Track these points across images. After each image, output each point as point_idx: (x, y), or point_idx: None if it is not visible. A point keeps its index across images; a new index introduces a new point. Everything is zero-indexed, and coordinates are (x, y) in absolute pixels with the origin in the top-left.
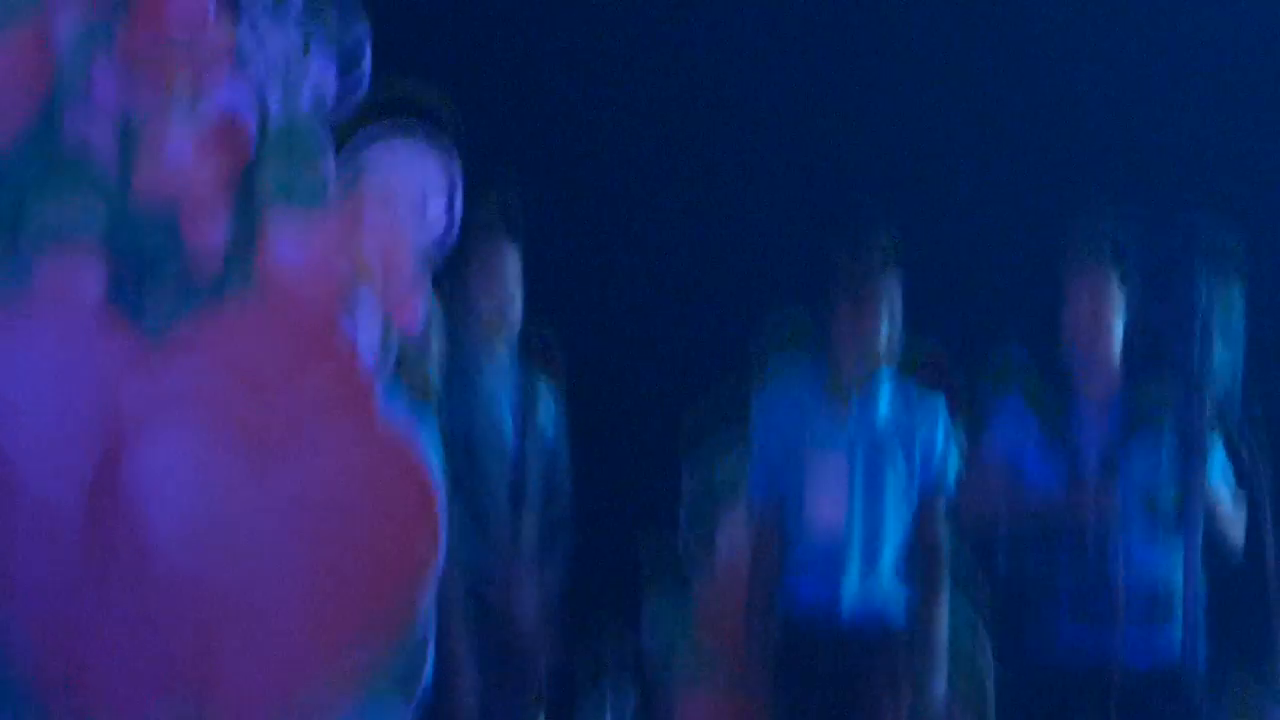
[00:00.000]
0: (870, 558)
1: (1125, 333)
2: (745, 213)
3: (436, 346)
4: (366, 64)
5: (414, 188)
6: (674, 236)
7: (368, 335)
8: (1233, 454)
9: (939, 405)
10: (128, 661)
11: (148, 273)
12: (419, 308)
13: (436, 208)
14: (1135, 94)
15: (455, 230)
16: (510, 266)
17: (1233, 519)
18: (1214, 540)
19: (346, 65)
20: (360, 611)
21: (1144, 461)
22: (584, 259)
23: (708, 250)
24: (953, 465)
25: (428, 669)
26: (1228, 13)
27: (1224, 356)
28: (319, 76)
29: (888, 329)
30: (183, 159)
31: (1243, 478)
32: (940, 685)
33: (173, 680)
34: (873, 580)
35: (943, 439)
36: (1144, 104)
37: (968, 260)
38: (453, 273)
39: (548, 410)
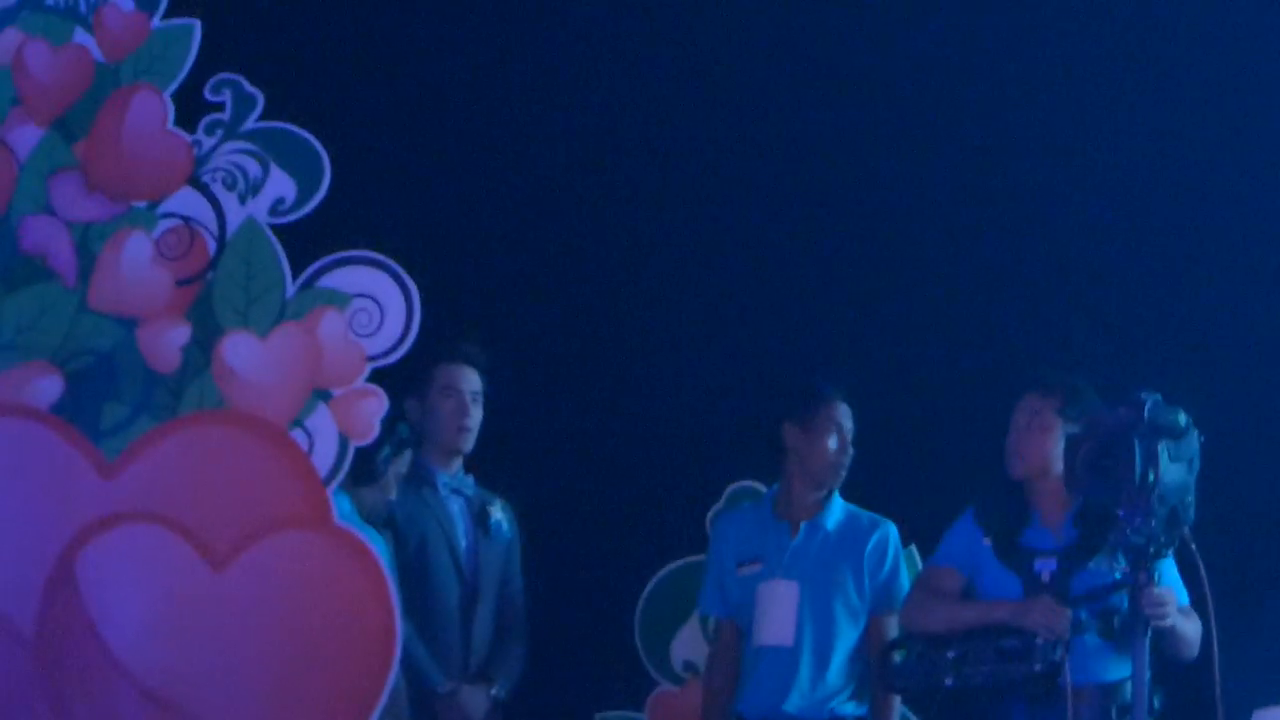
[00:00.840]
0: (819, 672)
1: (1074, 454)
2: (704, 338)
3: (392, 461)
4: (325, 179)
5: (371, 305)
6: (632, 362)
7: (323, 448)
8: (1185, 570)
9: (890, 530)
10: None
11: (104, 385)
12: (374, 422)
13: (393, 326)
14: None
15: (410, 348)
16: (469, 386)
17: (1186, 634)
18: (1167, 654)
19: (304, 180)
20: (314, 716)
21: (1095, 579)
22: (544, 389)
23: (665, 380)
24: (901, 585)
25: None
26: (1193, 196)
27: (1174, 477)
28: (277, 188)
29: (837, 457)
30: (139, 271)
31: (1196, 593)
32: None
33: None
34: (821, 693)
35: (891, 560)
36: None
37: (925, 399)
38: (413, 390)
39: (500, 528)
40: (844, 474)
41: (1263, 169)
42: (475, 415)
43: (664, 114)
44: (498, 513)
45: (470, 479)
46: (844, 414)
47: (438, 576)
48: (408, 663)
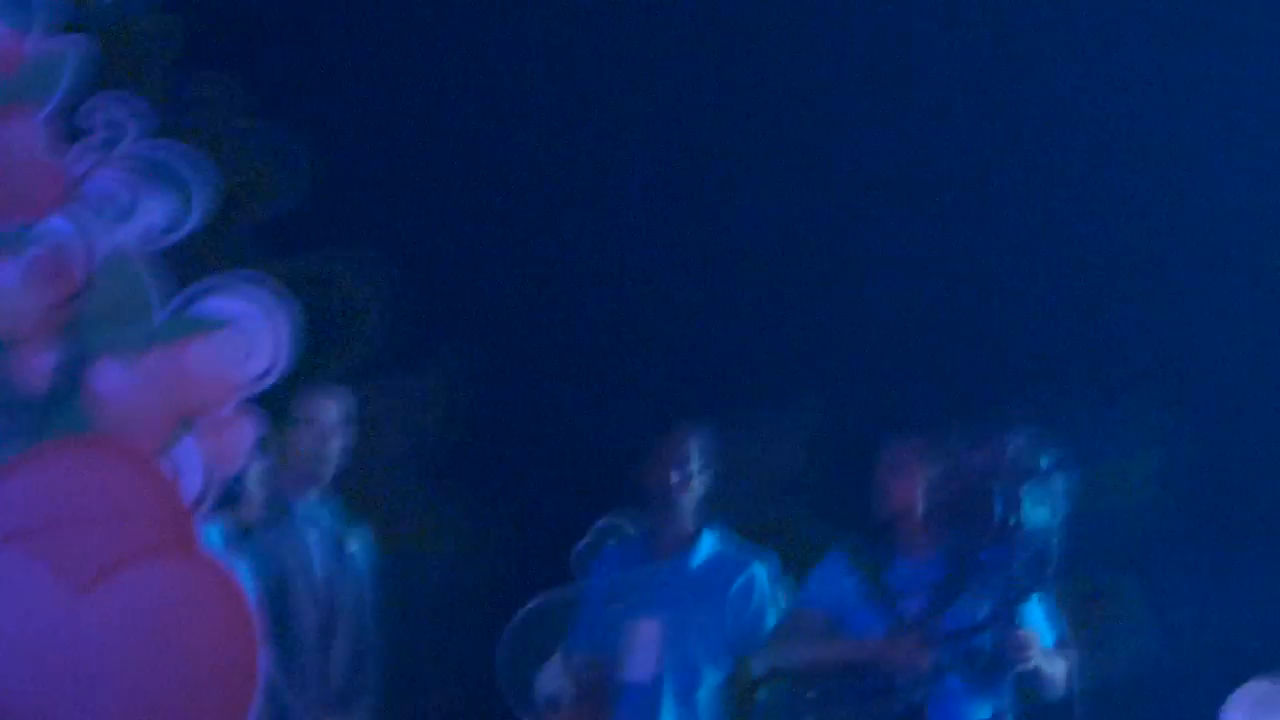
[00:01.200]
0: (682, 710)
1: (936, 497)
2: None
3: (256, 487)
4: (199, 203)
5: (240, 333)
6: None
7: (189, 473)
8: (1052, 610)
9: (760, 568)
10: None
11: None
12: (240, 449)
13: (263, 354)
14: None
15: (279, 376)
16: (329, 417)
17: (1049, 675)
18: (1032, 691)
19: (177, 203)
20: None
21: (960, 619)
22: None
23: (531, 411)
24: (766, 625)
25: None
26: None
27: (1038, 520)
28: (150, 213)
29: (696, 493)
30: (9, 294)
31: (1062, 632)
32: None
33: None
34: None
35: (756, 600)
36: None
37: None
38: (274, 418)
39: (356, 560)
40: (679, 506)
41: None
42: (335, 445)
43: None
44: (353, 544)
45: (327, 509)
46: (677, 445)
47: (295, 607)
48: (267, 693)
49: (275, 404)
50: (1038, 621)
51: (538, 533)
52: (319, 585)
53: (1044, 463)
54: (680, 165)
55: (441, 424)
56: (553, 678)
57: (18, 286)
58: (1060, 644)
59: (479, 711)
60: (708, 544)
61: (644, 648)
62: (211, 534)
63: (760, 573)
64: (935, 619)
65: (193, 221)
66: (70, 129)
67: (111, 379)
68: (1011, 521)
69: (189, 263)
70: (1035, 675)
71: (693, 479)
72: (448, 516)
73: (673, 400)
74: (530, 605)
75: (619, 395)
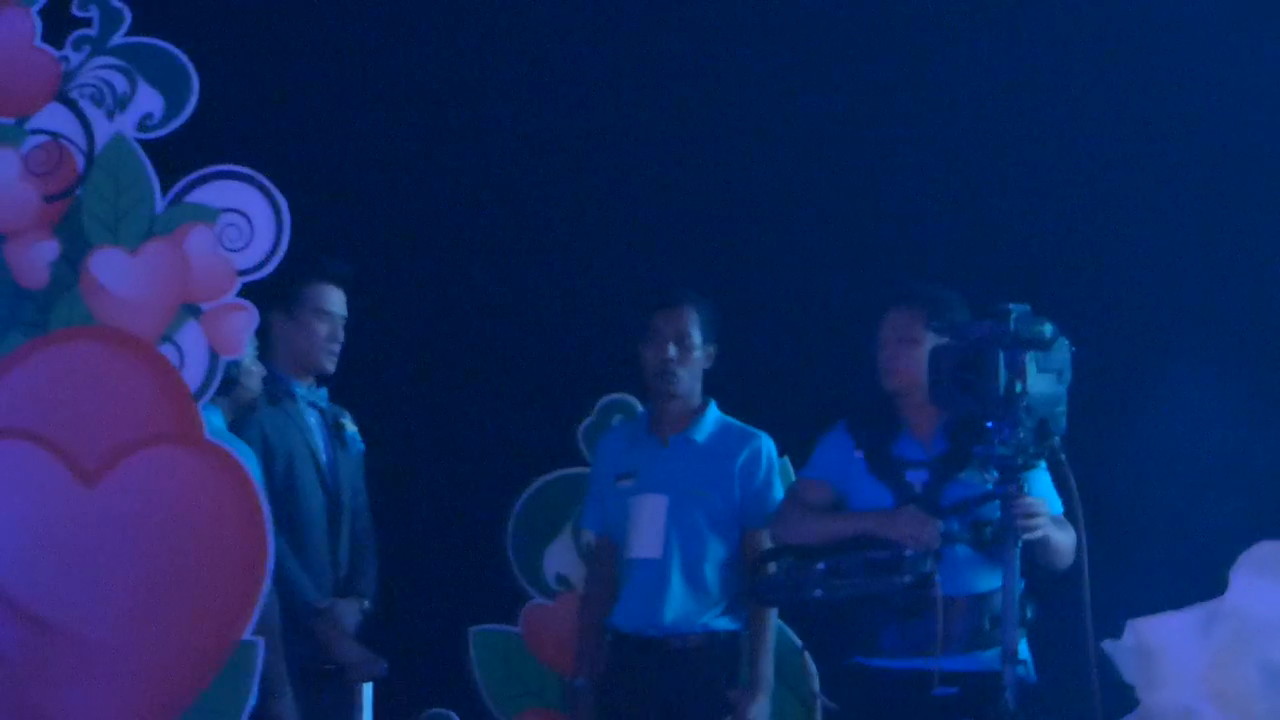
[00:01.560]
0: (690, 586)
1: (939, 367)
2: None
3: (257, 373)
4: (193, 94)
5: (240, 220)
6: (502, 275)
7: (191, 361)
8: (1058, 479)
9: (763, 443)
10: None
11: None
12: (243, 337)
13: (262, 240)
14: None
15: (279, 263)
16: (339, 309)
17: (1058, 544)
18: (1039, 564)
19: (172, 95)
20: (188, 632)
21: (966, 490)
22: (413, 302)
23: (537, 293)
24: (774, 498)
25: (253, 695)
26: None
27: (1043, 388)
28: (146, 102)
29: (658, 366)
30: (7, 187)
31: (1068, 503)
32: (765, 703)
33: (1, 708)
34: (694, 606)
35: (763, 472)
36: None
37: (800, 311)
38: (280, 306)
39: (355, 440)
40: (677, 380)
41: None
42: (339, 341)
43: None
44: (350, 425)
45: (324, 391)
46: (674, 320)
47: (305, 491)
48: (281, 579)
49: (280, 290)
50: (1045, 490)
51: (540, 412)
52: (325, 470)
53: (1047, 331)
54: None
55: (436, 301)
56: (561, 555)
57: (16, 179)
58: (1069, 512)
59: (488, 592)
60: (711, 419)
61: (651, 523)
62: (214, 420)
63: (766, 445)
64: (942, 489)
65: (187, 111)
66: (64, 21)
67: (111, 268)
68: (1016, 389)
69: (185, 151)
70: (1044, 543)
71: (695, 353)
72: (450, 399)
73: (673, 275)
74: (536, 483)
75: (618, 270)
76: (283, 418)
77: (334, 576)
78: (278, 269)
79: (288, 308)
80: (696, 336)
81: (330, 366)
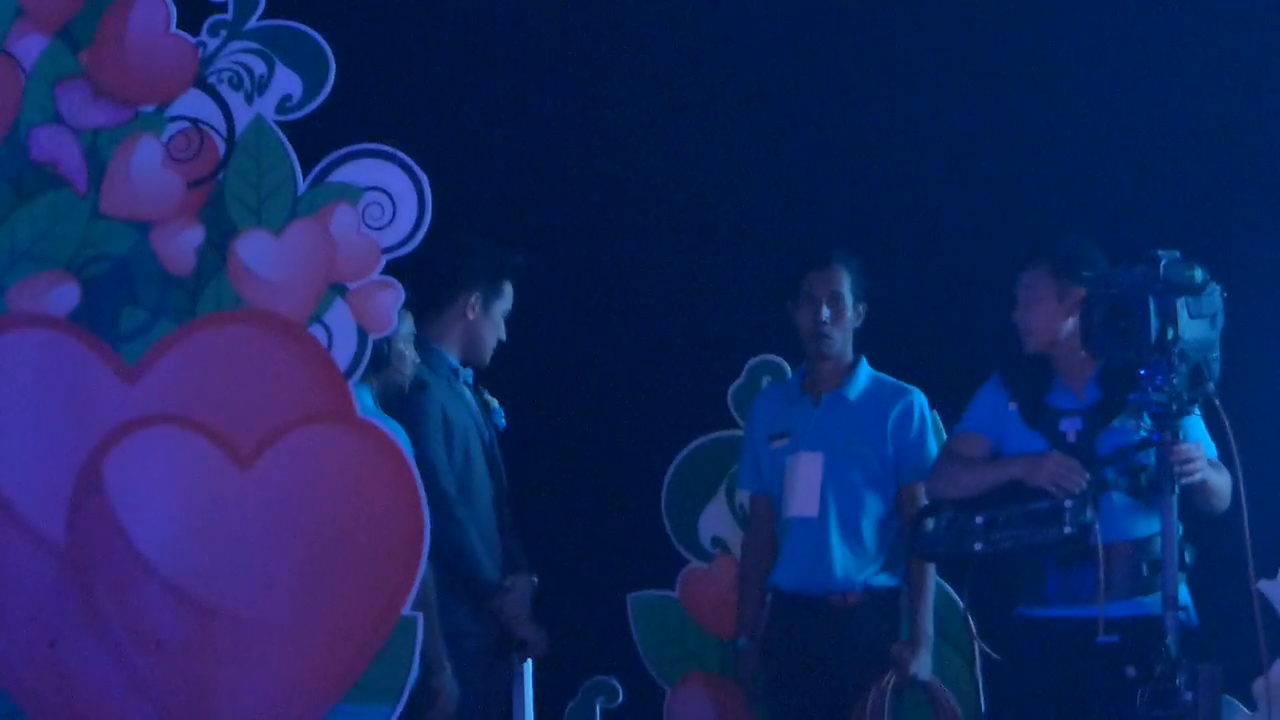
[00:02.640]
0: (849, 543)
1: (1090, 316)
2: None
3: (409, 356)
4: (330, 74)
5: (383, 198)
6: (650, 239)
7: (342, 342)
8: (1213, 424)
9: (916, 398)
10: (117, 675)
11: (120, 290)
12: (391, 314)
13: (406, 217)
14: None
15: (420, 241)
16: (510, 302)
17: (1216, 487)
18: (1197, 508)
19: (310, 76)
20: (347, 610)
21: (1121, 437)
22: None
23: (684, 257)
24: (929, 452)
25: (414, 671)
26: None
27: (1195, 334)
28: (283, 88)
29: (813, 326)
30: (150, 175)
31: (1224, 447)
32: (927, 658)
33: (161, 692)
34: (853, 564)
35: (919, 430)
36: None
37: (949, 267)
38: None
39: (500, 418)
40: (831, 341)
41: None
42: (499, 331)
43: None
44: (494, 401)
45: (470, 371)
46: (826, 280)
47: (478, 469)
48: (464, 556)
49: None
50: (1200, 434)
51: (690, 376)
52: (488, 444)
53: (1198, 276)
54: None
55: (584, 269)
56: (716, 518)
57: (158, 166)
58: (1224, 455)
59: (645, 558)
60: (864, 376)
61: (807, 482)
62: (365, 398)
63: (918, 399)
64: (1096, 438)
65: (325, 92)
66: (199, 7)
67: (257, 251)
68: (1169, 336)
69: (324, 133)
70: (1202, 487)
71: (848, 313)
72: (599, 368)
73: (820, 234)
74: (689, 447)
75: (765, 231)
76: (455, 398)
77: (501, 551)
78: (421, 245)
79: (487, 301)
80: (848, 296)
81: (483, 361)
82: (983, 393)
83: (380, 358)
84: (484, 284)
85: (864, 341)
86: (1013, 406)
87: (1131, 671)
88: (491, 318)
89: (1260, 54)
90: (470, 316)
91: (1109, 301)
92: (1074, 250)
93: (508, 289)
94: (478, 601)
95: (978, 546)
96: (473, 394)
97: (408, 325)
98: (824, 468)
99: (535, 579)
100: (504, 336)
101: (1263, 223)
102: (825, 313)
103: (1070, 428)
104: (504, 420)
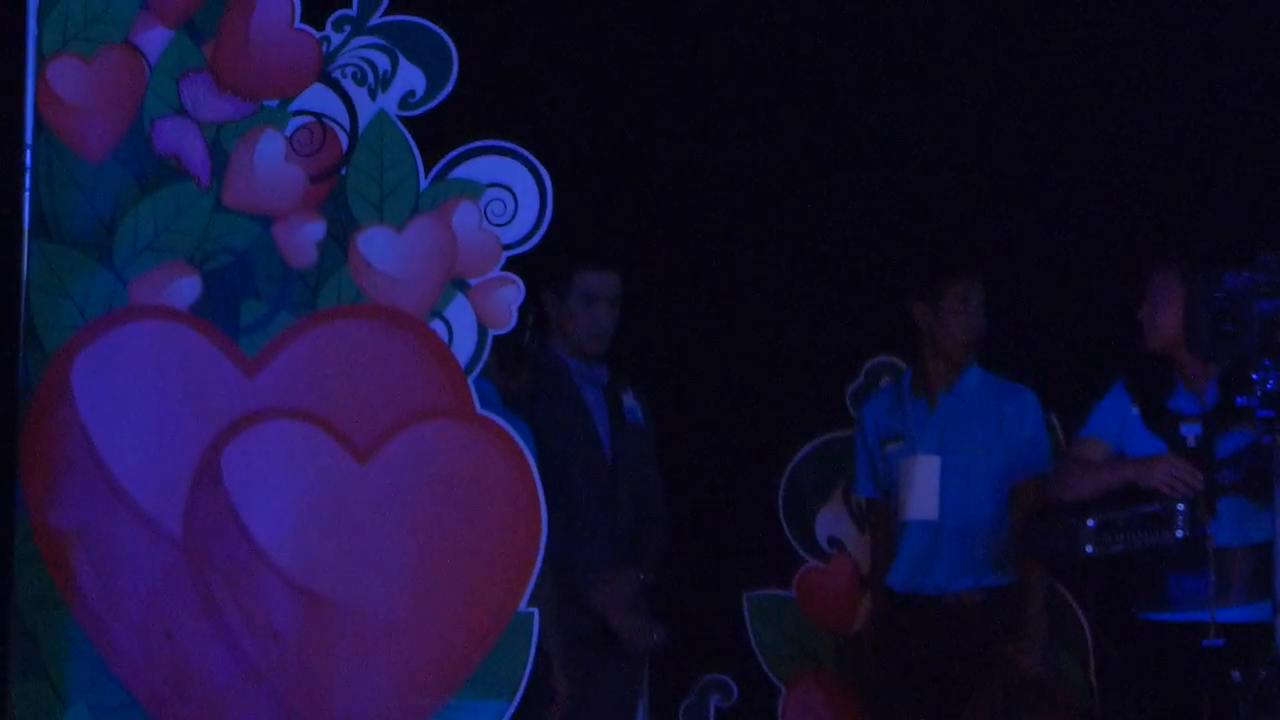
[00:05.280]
0: (966, 544)
1: (1197, 321)
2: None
3: (528, 347)
4: (454, 71)
5: (505, 195)
6: (769, 241)
7: (462, 337)
8: None
9: (1029, 398)
10: (233, 667)
11: (242, 283)
12: (511, 310)
13: (527, 214)
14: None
15: (543, 237)
16: (609, 293)
17: None
18: None
19: (433, 72)
20: (465, 605)
21: (1240, 441)
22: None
23: (802, 258)
24: (1044, 450)
25: (529, 667)
26: None
27: None
28: (406, 83)
29: (967, 331)
30: (273, 169)
31: None
32: (1040, 658)
33: (277, 684)
34: (969, 564)
35: (1033, 429)
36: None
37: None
38: (552, 287)
39: (635, 414)
40: (972, 347)
41: None
42: (612, 323)
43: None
44: (631, 400)
45: (604, 368)
46: (977, 289)
47: (579, 466)
48: (553, 553)
49: (551, 271)
50: None
51: (808, 377)
52: (604, 445)
53: None
54: None
55: (703, 269)
56: (833, 518)
57: (282, 160)
58: None
59: (762, 557)
60: (976, 376)
61: (925, 485)
62: (487, 395)
63: (1031, 399)
64: (1215, 442)
65: (448, 88)
66: (323, 2)
67: (379, 246)
68: (1276, 339)
69: (447, 129)
70: None
71: (961, 315)
72: (717, 368)
73: (938, 237)
74: (807, 448)
75: (884, 234)
76: (556, 395)
77: (612, 550)
78: (545, 245)
79: (558, 290)
80: (967, 300)
81: (600, 351)
82: (1107, 399)
83: (516, 358)
84: (551, 280)
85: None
86: (1135, 411)
87: (1237, 675)
88: (567, 306)
89: None
90: (550, 310)
91: (1214, 305)
92: (1197, 253)
93: (587, 279)
94: (571, 594)
95: (1089, 549)
96: (599, 392)
97: (528, 325)
98: (941, 469)
99: (643, 576)
100: (609, 328)
101: None
102: (962, 323)
103: (1190, 432)
104: (641, 418)
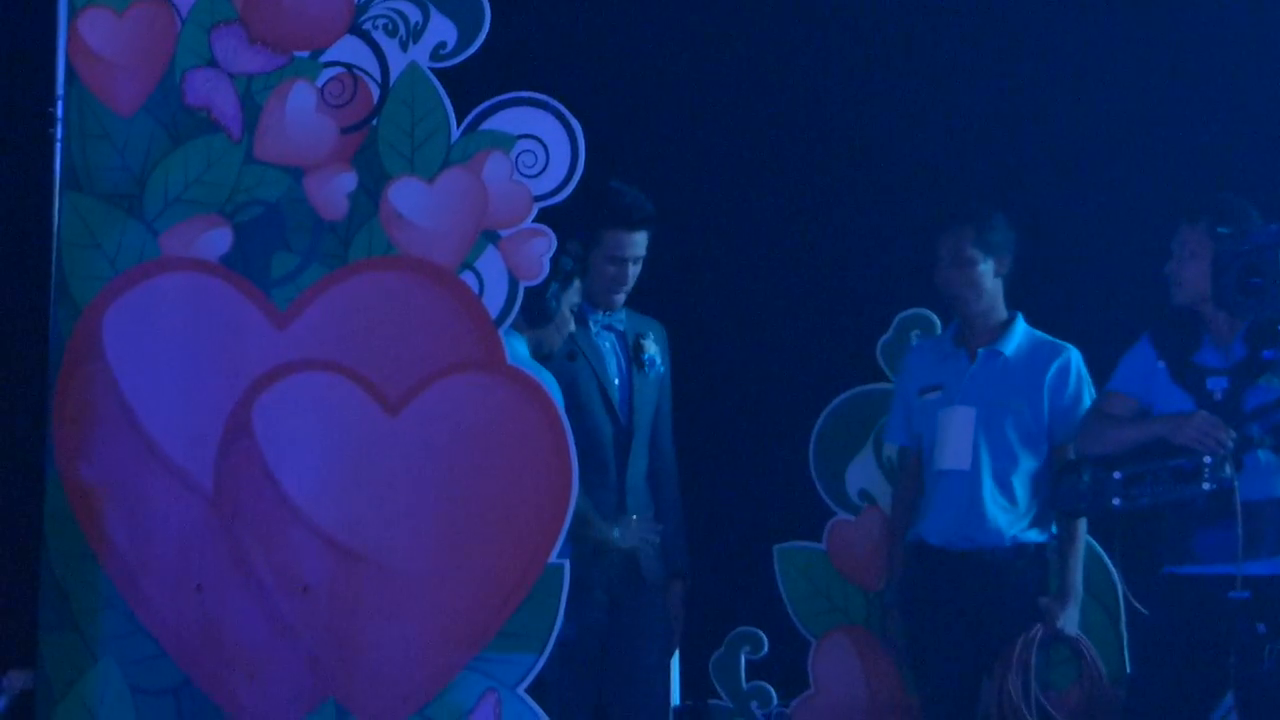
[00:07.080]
0: (1000, 497)
1: (1223, 274)
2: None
3: (561, 295)
4: (485, 22)
5: (536, 146)
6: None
7: (493, 289)
8: None
9: (1068, 352)
10: (263, 620)
11: (273, 235)
12: (542, 261)
13: (558, 165)
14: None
15: (574, 188)
16: (634, 253)
17: None
18: None
19: (464, 24)
20: (495, 557)
21: (1267, 395)
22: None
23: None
24: (1084, 405)
25: (560, 617)
26: None
27: None
28: (438, 35)
29: (979, 287)
30: (304, 120)
31: None
32: (1075, 613)
33: (307, 637)
34: (1004, 519)
35: (1073, 385)
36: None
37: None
38: (580, 236)
39: (654, 363)
40: (965, 300)
41: None
42: (633, 277)
43: None
44: (651, 346)
45: (623, 312)
46: (953, 241)
47: (590, 416)
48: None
49: (579, 221)
50: None
51: (839, 329)
52: (615, 394)
53: None
54: None
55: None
56: (864, 471)
57: (312, 111)
58: None
59: (792, 510)
60: (1020, 332)
61: (960, 435)
62: (517, 346)
63: (1075, 358)
64: (1242, 396)
65: (480, 39)
66: None
67: (410, 198)
68: None
69: (477, 81)
70: None
71: (978, 268)
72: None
73: (971, 192)
74: (837, 400)
75: (915, 187)
76: (573, 344)
77: (619, 499)
78: (576, 196)
79: (585, 241)
80: (975, 253)
81: (618, 305)
82: (1132, 353)
83: (546, 311)
84: (578, 232)
85: (1021, 298)
86: (1161, 365)
87: (1262, 628)
88: (591, 264)
89: None
90: (572, 253)
91: (1241, 259)
92: (1233, 209)
93: (614, 238)
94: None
95: (1116, 502)
96: (616, 337)
97: (557, 277)
98: (977, 421)
99: (660, 526)
100: (628, 285)
101: None
102: (953, 271)
103: (1217, 386)
104: (661, 365)
